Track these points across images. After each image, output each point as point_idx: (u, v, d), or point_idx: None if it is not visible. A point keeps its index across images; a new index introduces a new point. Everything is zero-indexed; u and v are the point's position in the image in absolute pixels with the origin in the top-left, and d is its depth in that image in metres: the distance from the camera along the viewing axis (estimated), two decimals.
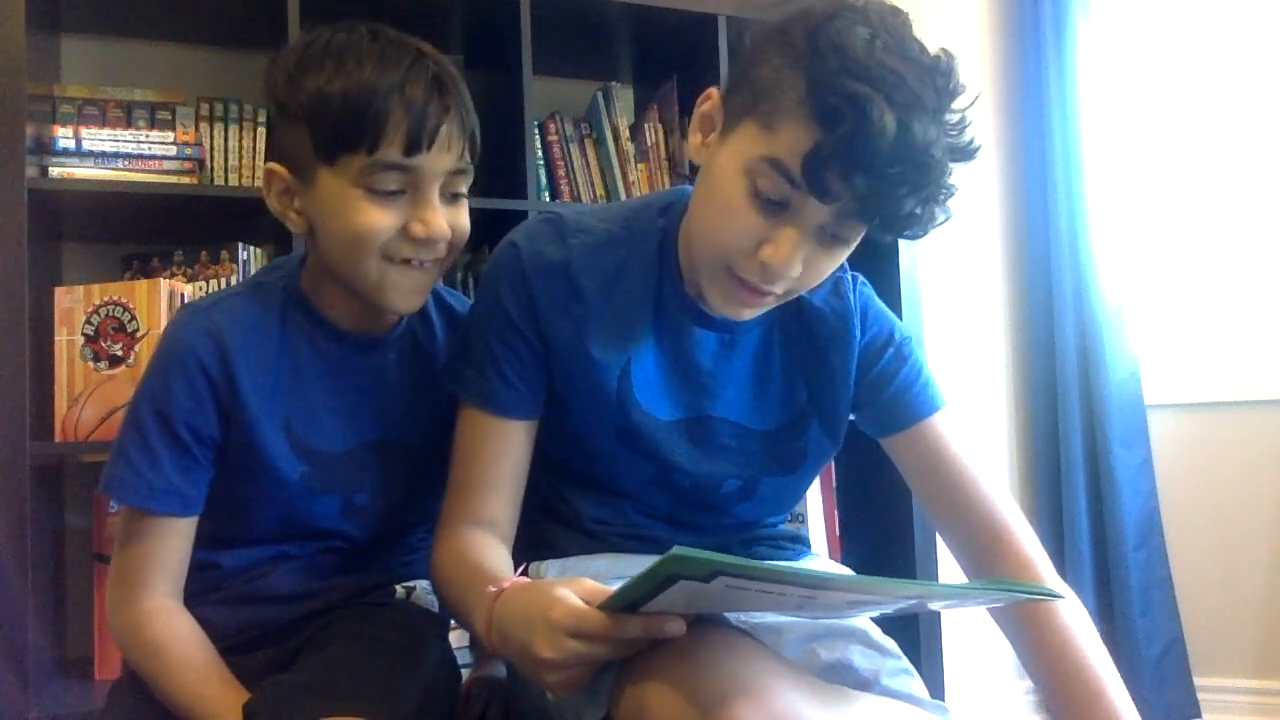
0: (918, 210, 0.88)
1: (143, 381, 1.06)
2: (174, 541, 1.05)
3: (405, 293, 1.05)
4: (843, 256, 0.97)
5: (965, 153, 0.90)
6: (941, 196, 0.90)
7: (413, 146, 0.99)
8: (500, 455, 1.06)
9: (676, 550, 0.68)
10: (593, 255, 1.06)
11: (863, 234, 0.95)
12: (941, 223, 0.92)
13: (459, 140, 1.03)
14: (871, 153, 0.84)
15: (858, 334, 1.10)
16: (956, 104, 0.89)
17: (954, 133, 0.89)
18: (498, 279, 1.06)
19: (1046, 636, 1.00)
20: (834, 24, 0.87)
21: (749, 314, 1.01)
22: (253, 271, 1.94)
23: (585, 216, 1.10)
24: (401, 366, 1.14)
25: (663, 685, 0.79)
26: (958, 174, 0.91)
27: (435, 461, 1.13)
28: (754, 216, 0.92)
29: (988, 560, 1.07)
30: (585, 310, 1.04)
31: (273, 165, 1.05)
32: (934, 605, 0.92)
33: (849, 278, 1.12)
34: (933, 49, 0.91)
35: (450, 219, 1.04)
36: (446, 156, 1.02)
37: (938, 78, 0.88)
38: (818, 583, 0.76)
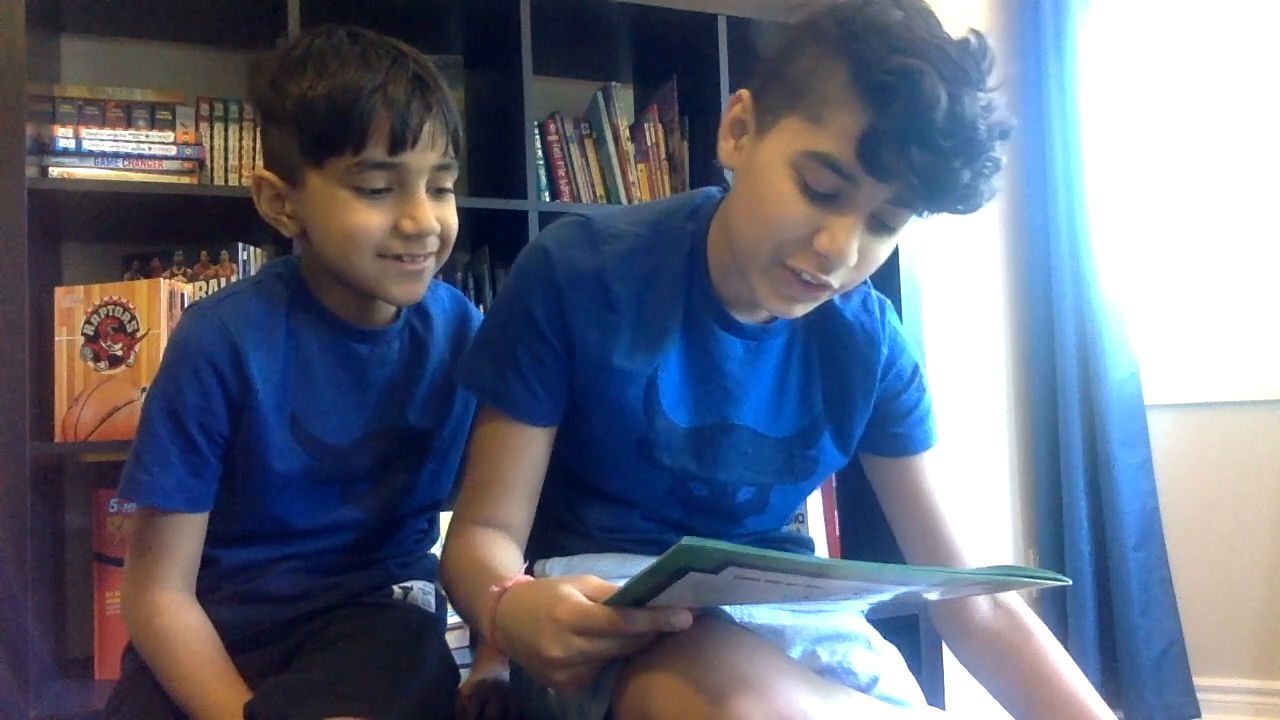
0: (973, 182, 0.88)
1: (154, 382, 1.07)
2: (185, 538, 1.07)
3: (404, 285, 1.07)
4: (892, 246, 0.97)
5: (1004, 130, 0.90)
6: (989, 169, 0.89)
7: (397, 144, 1.01)
8: (517, 460, 1.05)
9: (687, 541, 0.68)
10: (626, 262, 1.04)
11: (910, 222, 0.95)
12: (989, 198, 0.91)
13: (442, 136, 1.05)
14: (927, 126, 0.83)
15: (883, 356, 1.10)
16: (991, 81, 0.89)
17: (997, 108, 0.89)
18: (527, 284, 1.04)
19: (1030, 675, 1.05)
20: (868, 10, 0.88)
21: (802, 310, 0.99)
22: (253, 272, 1.94)
23: (614, 220, 1.07)
24: (403, 357, 1.16)
25: (666, 679, 0.79)
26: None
27: (436, 446, 1.16)
28: (806, 207, 0.91)
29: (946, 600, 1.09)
30: (618, 319, 1.03)
31: (261, 172, 1.07)
32: (934, 592, 0.93)
33: (875, 298, 1.13)
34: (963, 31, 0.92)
35: (438, 214, 1.06)
36: (430, 153, 1.04)
37: (975, 53, 0.89)
38: (823, 570, 0.76)
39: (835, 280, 0.94)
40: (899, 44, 0.85)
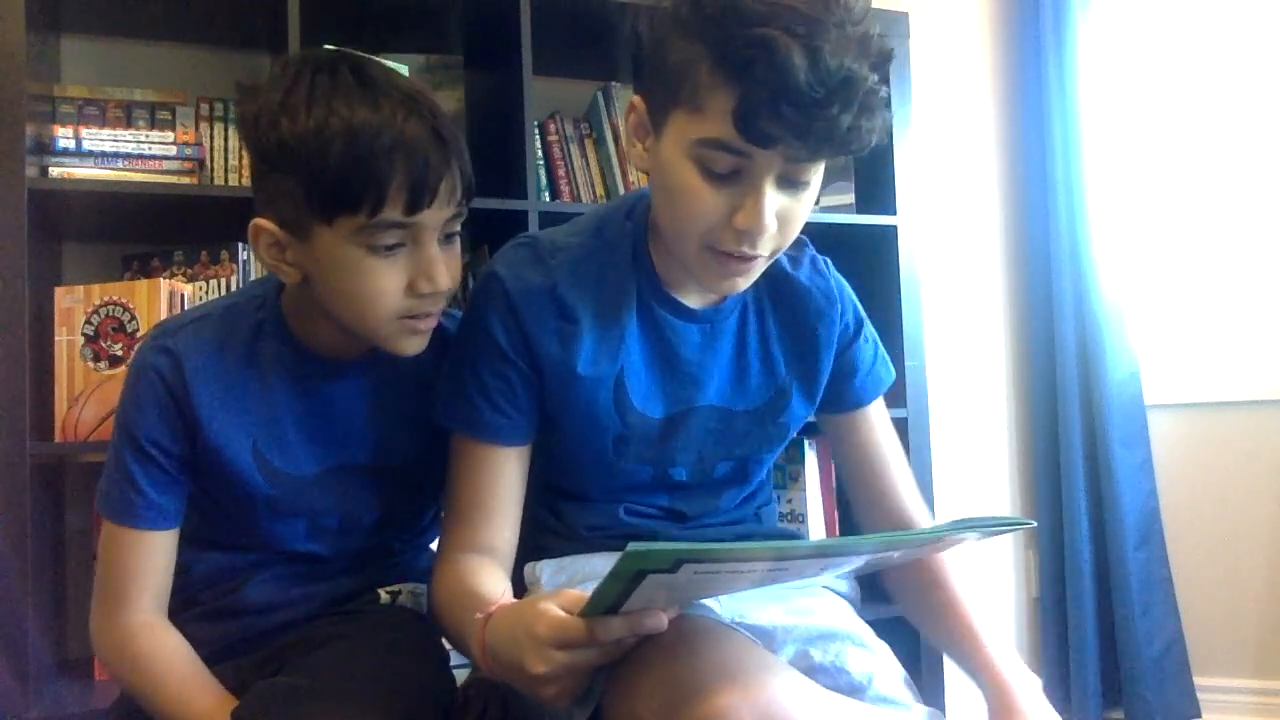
0: (855, 123, 0.89)
1: (118, 405, 1.08)
2: (155, 557, 1.07)
3: (412, 341, 1.05)
4: (812, 200, 0.99)
5: (880, 58, 0.91)
6: (873, 104, 0.90)
7: (414, 203, 0.96)
8: (495, 483, 1.06)
9: (633, 546, 0.69)
10: (574, 271, 1.06)
11: (821, 171, 0.98)
12: (880, 134, 0.93)
13: (458, 189, 1.01)
14: (792, 87, 0.85)
15: (840, 311, 1.14)
16: (856, 15, 0.90)
17: (863, 42, 0.90)
18: (484, 308, 1.06)
19: (942, 600, 1.10)
20: None
21: (745, 283, 1.02)
22: (253, 272, 1.94)
23: (557, 235, 1.10)
24: (379, 390, 1.13)
25: (650, 678, 0.80)
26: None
27: (411, 483, 1.13)
28: (714, 192, 0.94)
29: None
30: (576, 328, 1.05)
31: (260, 221, 1.00)
32: (896, 553, 0.93)
33: (821, 259, 1.17)
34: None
35: (447, 263, 1.03)
36: (446, 208, 1.00)
37: None
38: (781, 553, 0.76)
39: (764, 249, 0.98)
40: (750, 17, 0.87)
